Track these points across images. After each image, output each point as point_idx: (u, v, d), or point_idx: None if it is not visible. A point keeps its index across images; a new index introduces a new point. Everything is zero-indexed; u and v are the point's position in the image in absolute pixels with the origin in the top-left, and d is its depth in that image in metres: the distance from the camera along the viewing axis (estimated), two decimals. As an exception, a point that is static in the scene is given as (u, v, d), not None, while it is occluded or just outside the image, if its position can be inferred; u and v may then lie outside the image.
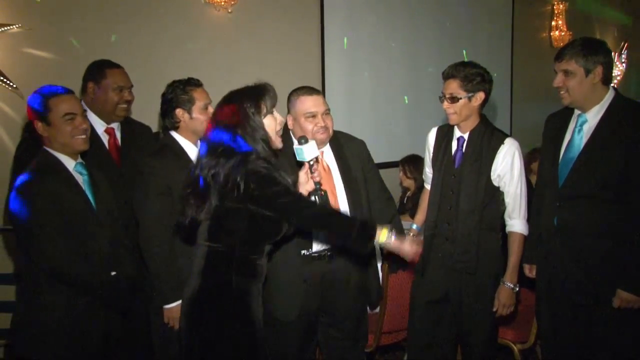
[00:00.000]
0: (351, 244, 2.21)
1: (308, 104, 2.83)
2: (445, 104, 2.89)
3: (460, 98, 2.85)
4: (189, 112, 2.84)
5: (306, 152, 2.42)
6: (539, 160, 3.10)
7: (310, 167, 2.45)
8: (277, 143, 2.34)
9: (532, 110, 6.67)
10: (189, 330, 2.27)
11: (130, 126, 3.33)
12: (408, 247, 2.22)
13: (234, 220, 2.22)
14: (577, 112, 2.88)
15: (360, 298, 3.03)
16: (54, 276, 2.43)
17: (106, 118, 3.17)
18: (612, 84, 2.85)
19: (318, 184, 2.45)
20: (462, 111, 2.88)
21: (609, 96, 2.79)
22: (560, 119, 2.97)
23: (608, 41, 7.68)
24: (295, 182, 2.37)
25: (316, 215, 2.22)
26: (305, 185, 2.47)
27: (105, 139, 3.17)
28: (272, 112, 2.32)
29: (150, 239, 2.73)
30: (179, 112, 2.85)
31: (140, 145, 3.25)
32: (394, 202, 3.30)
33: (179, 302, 2.72)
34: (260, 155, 2.22)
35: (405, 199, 4.77)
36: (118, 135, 3.23)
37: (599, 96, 2.79)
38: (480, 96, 2.88)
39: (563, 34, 7.14)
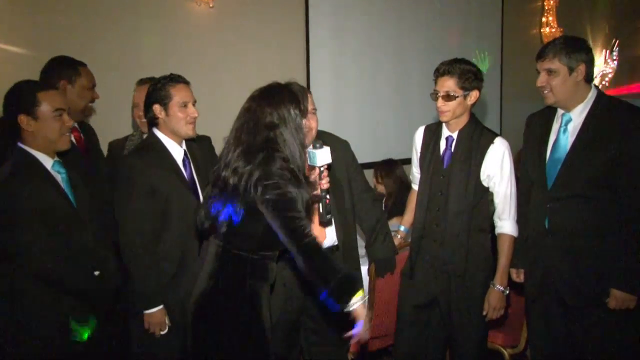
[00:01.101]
0: (325, 294, 2.10)
1: None
2: (440, 101, 2.91)
3: (457, 96, 2.89)
4: (166, 108, 2.84)
5: (319, 157, 2.42)
6: (521, 162, 3.13)
7: (320, 172, 2.44)
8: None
9: (522, 109, 6.59)
10: (198, 332, 2.29)
11: (83, 126, 3.35)
12: (363, 328, 2.10)
13: (251, 224, 2.23)
14: (560, 111, 2.92)
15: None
16: (37, 277, 2.44)
17: (74, 117, 3.16)
18: (594, 82, 2.91)
19: (325, 191, 2.44)
20: (457, 109, 2.92)
21: (591, 94, 2.85)
22: (543, 119, 3.01)
23: (599, 38, 7.86)
24: (310, 195, 2.34)
25: (307, 249, 2.13)
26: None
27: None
28: (307, 114, 2.37)
29: (131, 242, 2.74)
30: (155, 107, 2.85)
31: (96, 145, 3.30)
32: (380, 204, 3.34)
33: (160, 307, 2.77)
34: (290, 164, 2.23)
35: (383, 205, 4.77)
36: (81, 134, 3.25)
37: (582, 95, 2.84)
38: (475, 94, 2.92)
39: (554, 30, 7.19)
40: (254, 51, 4.96)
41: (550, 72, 2.82)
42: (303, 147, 2.30)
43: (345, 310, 2.09)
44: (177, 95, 2.84)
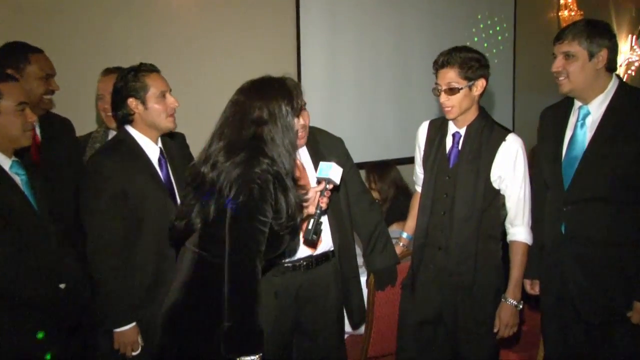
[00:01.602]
0: (222, 332, 2.10)
1: None
2: (443, 96, 2.88)
3: (461, 88, 2.84)
4: (143, 101, 2.79)
5: (332, 172, 2.47)
6: (535, 160, 3.11)
7: (324, 189, 2.48)
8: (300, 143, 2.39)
9: (537, 101, 6.57)
10: (166, 350, 2.27)
11: (49, 120, 3.28)
12: None
13: (224, 229, 2.19)
14: (577, 103, 2.89)
15: (340, 316, 3.03)
16: None
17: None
18: (616, 72, 2.88)
19: (322, 211, 2.47)
20: (463, 103, 2.88)
21: (612, 85, 2.81)
22: (559, 112, 2.98)
23: (624, 22, 7.81)
24: (299, 199, 2.35)
25: (238, 272, 2.12)
26: (309, 203, 2.49)
27: None
28: (300, 113, 2.37)
29: (100, 251, 2.69)
30: (131, 102, 2.80)
31: (63, 142, 3.24)
32: (378, 207, 3.31)
33: (133, 324, 2.73)
34: (276, 166, 2.22)
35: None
36: (37, 131, 3.16)
37: (602, 84, 2.80)
38: (481, 84, 2.88)
39: (573, 13, 7.17)
40: (238, 39, 4.93)
41: (568, 56, 2.79)
42: (293, 148, 2.30)
43: None
44: (154, 85, 2.81)
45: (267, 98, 2.26)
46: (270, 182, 2.16)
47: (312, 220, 2.44)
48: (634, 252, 2.73)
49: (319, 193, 2.48)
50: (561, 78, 2.82)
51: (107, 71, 3.44)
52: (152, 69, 2.85)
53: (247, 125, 2.24)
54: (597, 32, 2.76)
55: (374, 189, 4.50)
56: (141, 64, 2.85)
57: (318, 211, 2.44)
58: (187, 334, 2.24)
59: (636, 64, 7.93)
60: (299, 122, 2.38)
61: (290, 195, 2.24)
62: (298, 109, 2.33)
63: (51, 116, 3.33)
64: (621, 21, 7.79)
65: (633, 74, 7.83)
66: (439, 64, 2.88)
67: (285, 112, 2.26)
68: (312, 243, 2.65)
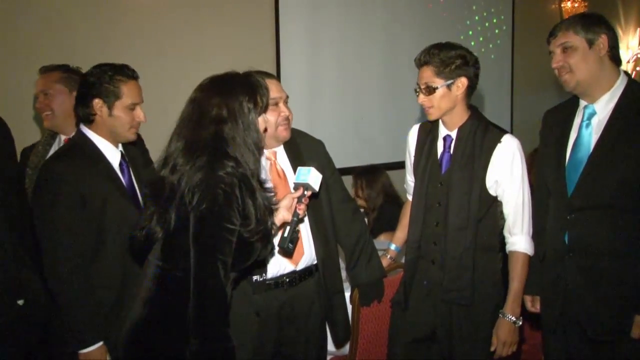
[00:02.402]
0: (190, 352, 2.11)
1: (272, 88, 2.78)
2: (421, 96, 2.95)
3: (437, 87, 2.90)
4: (110, 107, 2.83)
5: (311, 177, 2.55)
6: (536, 165, 3.13)
7: (302, 196, 2.56)
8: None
9: (537, 100, 6.70)
10: None
11: None
12: None
13: (187, 237, 2.20)
14: (582, 103, 2.93)
15: (324, 336, 3.07)
16: None
17: None
18: (624, 69, 2.93)
19: (299, 219, 2.54)
20: (442, 103, 2.93)
21: (620, 82, 2.85)
22: (562, 113, 3.02)
23: (633, 15, 7.87)
24: (268, 202, 2.38)
25: (205, 284, 2.14)
26: (284, 210, 2.54)
27: None
28: (266, 111, 2.40)
29: (58, 264, 2.69)
30: (96, 102, 2.84)
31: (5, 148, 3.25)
32: (362, 216, 3.35)
33: (99, 344, 2.74)
34: (240, 167, 2.24)
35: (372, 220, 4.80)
36: None
37: (609, 79, 2.85)
38: (462, 82, 2.92)
39: (577, 5, 7.26)
40: (212, 33, 4.96)
41: (565, 48, 2.84)
42: (257, 147, 2.33)
43: None
44: (128, 95, 2.85)
45: (227, 95, 2.28)
46: (235, 185, 2.18)
47: (288, 228, 2.48)
48: None
49: (295, 199, 2.53)
50: (564, 74, 2.86)
51: (46, 69, 3.45)
52: (132, 76, 2.89)
53: (205, 124, 2.26)
54: (591, 21, 2.82)
55: (361, 197, 4.53)
56: (123, 66, 2.89)
57: (295, 219, 2.50)
58: (152, 354, 2.25)
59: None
60: (268, 119, 2.43)
61: (258, 197, 2.26)
62: (263, 106, 2.36)
63: None
64: (629, 14, 7.84)
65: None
66: (418, 62, 2.96)
67: (247, 110, 2.29)
68: (287, 252, 2.67)
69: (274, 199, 2.43)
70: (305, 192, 2.54)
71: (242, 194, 2.20)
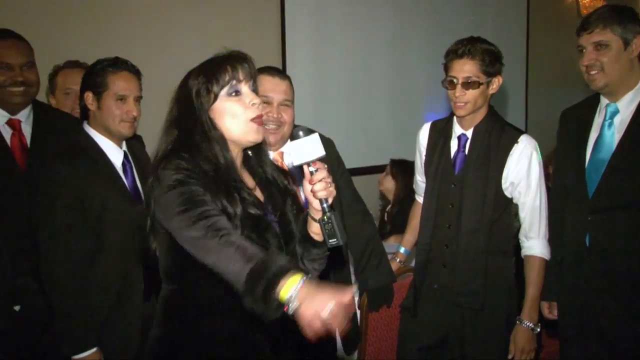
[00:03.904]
0: (243, 295, 1.75)
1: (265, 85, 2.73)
2: (459, 90, 2.90)
3: (481, 83, 2.88)
4: (98, 99, 2.84)
5: (304, 149, 2.00)
6: (554, 165, 3.11)
7: (312, 174, 2.01)
8: (252, 136, 2.09)
9: (553, 98, 6.69)
10: None
11: (46, 116, 3.28)
12: (331, 311, 1.65)
13: (158, 237, 2.11)
14: (604, 101, 2.91)
15: (331, 340, 3.03)
16: None
17: (7, 106, 3.12)
18: None
19: (327, 206, 2.03)
20: (478, 100, 2.92)
21: None
22: (582, 112, 3.00)
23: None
24: (251, 205, 2.08)
25: (206, 234, 1.84)
26: (313, 204, 2.07)
27: (7, 133, 3.13)
28: (237, 93, 2.09)
29: (55, 267, 2.69)
30: (87, 96, 2.85)
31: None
32: (371, 218, 3.32)
33: (94, 349, 2.72)
34: (202, 160, 2.03)
35: (385, 214, 4.79)
36: (27, 129, 3.18)
37: (634, 79, 2.83)
38: (498, 81, 2.94)
39: (595, -2, 7.24)
40: (214, 26, 4.93)
41: (599, 46, 2.81)
42: (219, 136, 2.08)
43: (287, 313, 1.70)
44: (115, 85, 2.84)
45: (186, 77, 2.13)
46: (189, 183, 1.94)
47: (322, 225, 2.03)
48: None
49: (305, 186, 2.04)
50: (594, 72, 2.83)
51: (73, 64, 3.49)
52: (123, 67, 2.87)
53: (171, 112, 2.13)
54: (628, 18, 2.79)
55: (398, 181, 4.56)
56: (116, 58, 2.88)
57: (326, 208, 2.02)
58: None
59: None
60: (248, 102, 2.09)
61: (230, 205, 2.00)
62: (220, 87, 2.07)
63: (49, 111, 3.33)
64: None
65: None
66: (458, 54, 2.90)
67: (204, 92, 2.06)
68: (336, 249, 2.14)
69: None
70: (312, 169, 2.00)
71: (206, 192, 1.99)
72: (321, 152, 2.00)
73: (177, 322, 2.13)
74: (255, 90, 2.13)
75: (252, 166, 2.23)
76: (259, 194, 2.18)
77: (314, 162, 2.01)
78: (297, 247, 2.12)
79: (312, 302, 1.65)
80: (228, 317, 2.10)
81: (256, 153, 2.23)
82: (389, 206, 4.70)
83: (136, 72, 2.91)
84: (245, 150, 2.19)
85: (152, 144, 2.71)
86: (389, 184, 4.66)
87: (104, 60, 2.88)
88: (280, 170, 2.32)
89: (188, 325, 2.11)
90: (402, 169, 4.59)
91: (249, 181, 2.17)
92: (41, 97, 3.68)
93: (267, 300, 1.71)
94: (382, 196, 4.87)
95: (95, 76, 2.83)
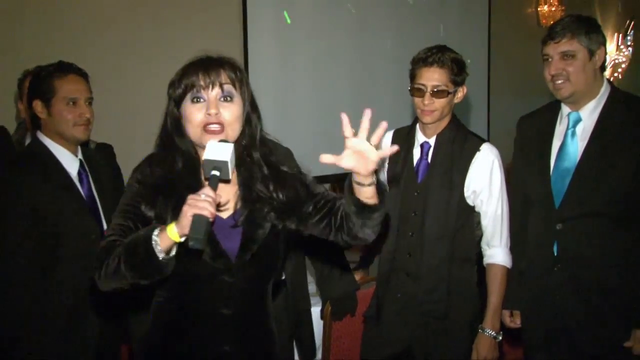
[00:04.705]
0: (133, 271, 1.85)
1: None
2: (427, 98, 2.90)
3: (450, 92, 2.90)
4: (47, 105, 2.81)
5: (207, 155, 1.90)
6: (513, 173, 3.12)
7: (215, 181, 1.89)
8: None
9: (515, 106, 6.64)
10: None
11: None
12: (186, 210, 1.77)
13: None
14: (565, 110, 2.94)
15: (291, 356, 3.05)
16: None
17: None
18: (606, 73, 2.97)
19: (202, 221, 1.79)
20: (445, 109, 2.93)
21: (604, 89, 2.89)
22: (541, 120, 3.03)
23: (610, 19, 7.96)
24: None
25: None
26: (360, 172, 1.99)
27: None
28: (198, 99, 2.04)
29: (7, 275, 2.66)
30: (35, 104, 2.82)
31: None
32: None
33: None
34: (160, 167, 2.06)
35: None
36: None
37: (596, 88, 2.87)
38: (463, 90, 2.96)
39: (554, 9, 7.35)
40: (177, 28, 4.93)
41: (566, 55, 2.83)
42: (170, 142, 2.07)
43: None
44: (63, 89, 2.81)
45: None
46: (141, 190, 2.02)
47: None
48: (634, 274, 2.76)
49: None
50: (559, 81, 2.85)
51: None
52: (69, 70, 2.85)
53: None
54: (593, 28, 2.83)
55: None
56: (60, 62, 2.86)
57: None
58: None
59: (623, 65, 8.09)
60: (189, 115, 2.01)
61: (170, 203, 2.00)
62: (179, 97, 2.03)
63: None
64: (606, 18, 7.94)
65: (620, 76, 7.98)
66: (427, 62, 2.90)
67: (169, 99, 2.07)
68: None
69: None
70: (214, 173, 1.87)
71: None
72: (225, 156, 1.89)
73: (161, 327, 2.16)
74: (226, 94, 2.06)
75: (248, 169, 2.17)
76: (232, 198, 2.13)
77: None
78: (355, 221, 2.04)
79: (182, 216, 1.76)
80: (201, 326, 2.13)
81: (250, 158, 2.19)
82: None
83: (83, 75, 2.89)
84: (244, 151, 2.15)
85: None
86: None
87: (48, 65, 2.85)
88: (286, 174, 2.28)
89: (170, 331, 2.14)
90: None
91: (229, 187, 2.13)
92: (9, 103, 3.65)
93: (152, 256, 1.81)
94: None
95: (41, 83, 2.81)
